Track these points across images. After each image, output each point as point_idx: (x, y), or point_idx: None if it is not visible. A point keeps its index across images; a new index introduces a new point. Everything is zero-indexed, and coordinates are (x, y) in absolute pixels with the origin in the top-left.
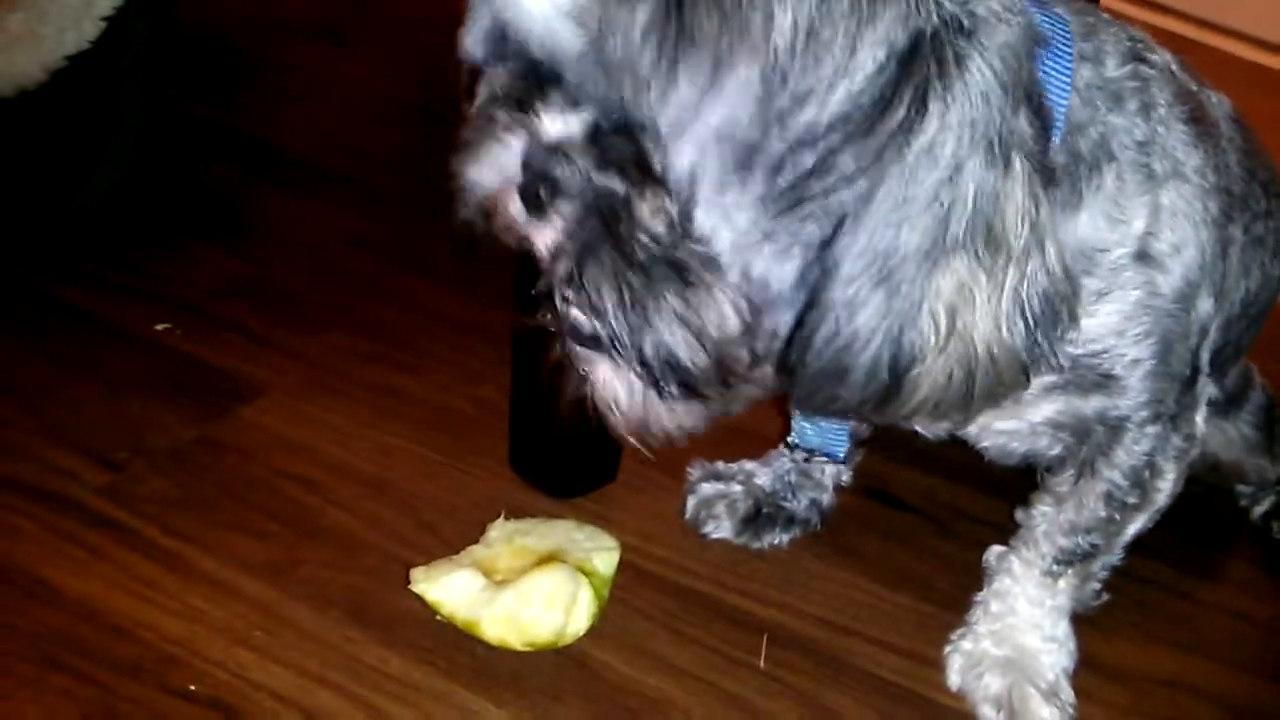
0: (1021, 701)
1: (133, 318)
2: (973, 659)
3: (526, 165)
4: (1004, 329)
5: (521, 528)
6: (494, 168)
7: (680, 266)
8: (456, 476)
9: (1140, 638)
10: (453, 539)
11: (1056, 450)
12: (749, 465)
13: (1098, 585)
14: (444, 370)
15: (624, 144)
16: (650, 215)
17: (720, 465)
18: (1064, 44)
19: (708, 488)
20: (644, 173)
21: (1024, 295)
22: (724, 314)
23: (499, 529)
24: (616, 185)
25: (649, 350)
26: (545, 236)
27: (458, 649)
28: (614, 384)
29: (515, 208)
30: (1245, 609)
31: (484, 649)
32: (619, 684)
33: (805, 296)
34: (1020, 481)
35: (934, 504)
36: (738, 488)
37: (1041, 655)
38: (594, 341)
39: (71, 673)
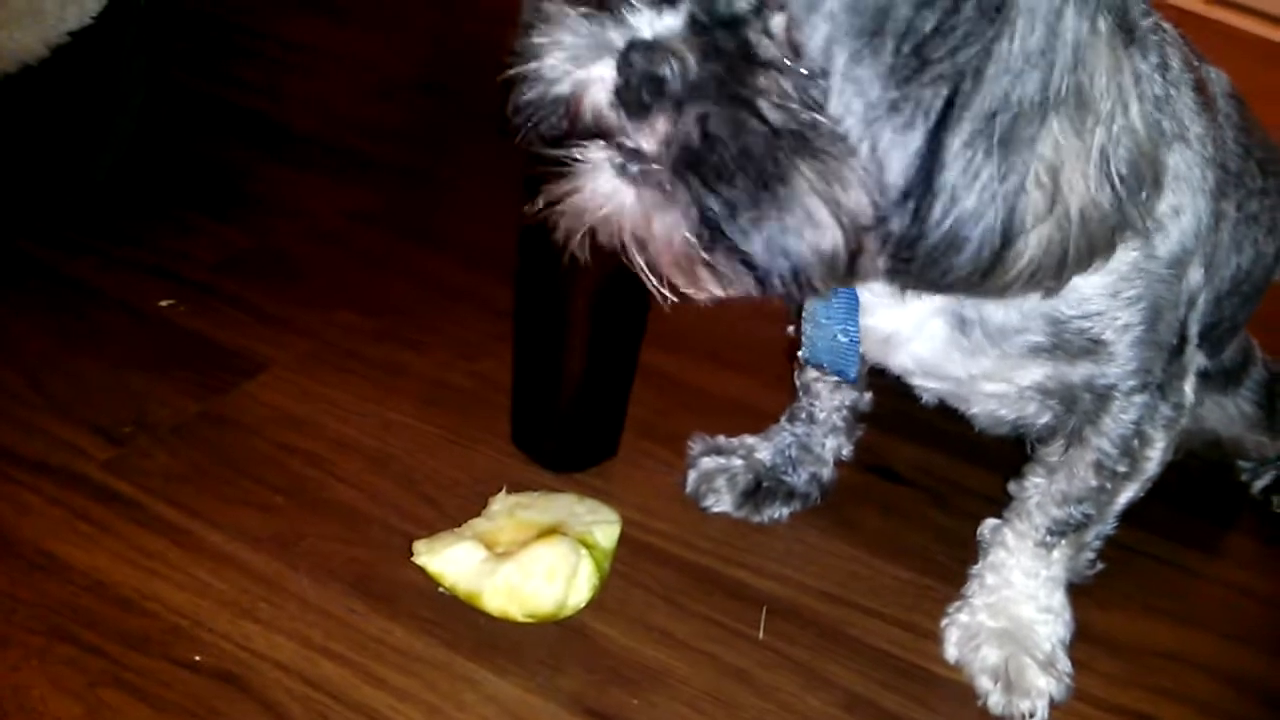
0: (1018, 672)
1: (136, 293)
2: (969, 631)
3: (625, 64)
4: (1093, 190)
5: (523, 501)
6: (577, 61)
7: (810, 150)
8: (458, 451)
9: (1138, 610)
10: (455, 513)
11: (1045, 418)
12: (750, 440)
13: (1092, 555)
14: (446, 345)
15: (728, 34)
16: (769, 99)
17: (721, 439)
18: None
19: (708, 462)
20: (752, 60)
21: (1110, 156)
22: (859, 193)
23: (501, 502)
24: (727, 75)
25: (764, 243)
26: (651, 133)
27: (459, 620)
28: (666, 232)
29: (604, 102)
30: (1244, 582)
31: (485, 620)
32: (619, 655)
33: (925, 170)
34: (1015, 455)
35: (931, 478)
36: (738, 462)
37: (1037, 626)
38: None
39: (78, 644)
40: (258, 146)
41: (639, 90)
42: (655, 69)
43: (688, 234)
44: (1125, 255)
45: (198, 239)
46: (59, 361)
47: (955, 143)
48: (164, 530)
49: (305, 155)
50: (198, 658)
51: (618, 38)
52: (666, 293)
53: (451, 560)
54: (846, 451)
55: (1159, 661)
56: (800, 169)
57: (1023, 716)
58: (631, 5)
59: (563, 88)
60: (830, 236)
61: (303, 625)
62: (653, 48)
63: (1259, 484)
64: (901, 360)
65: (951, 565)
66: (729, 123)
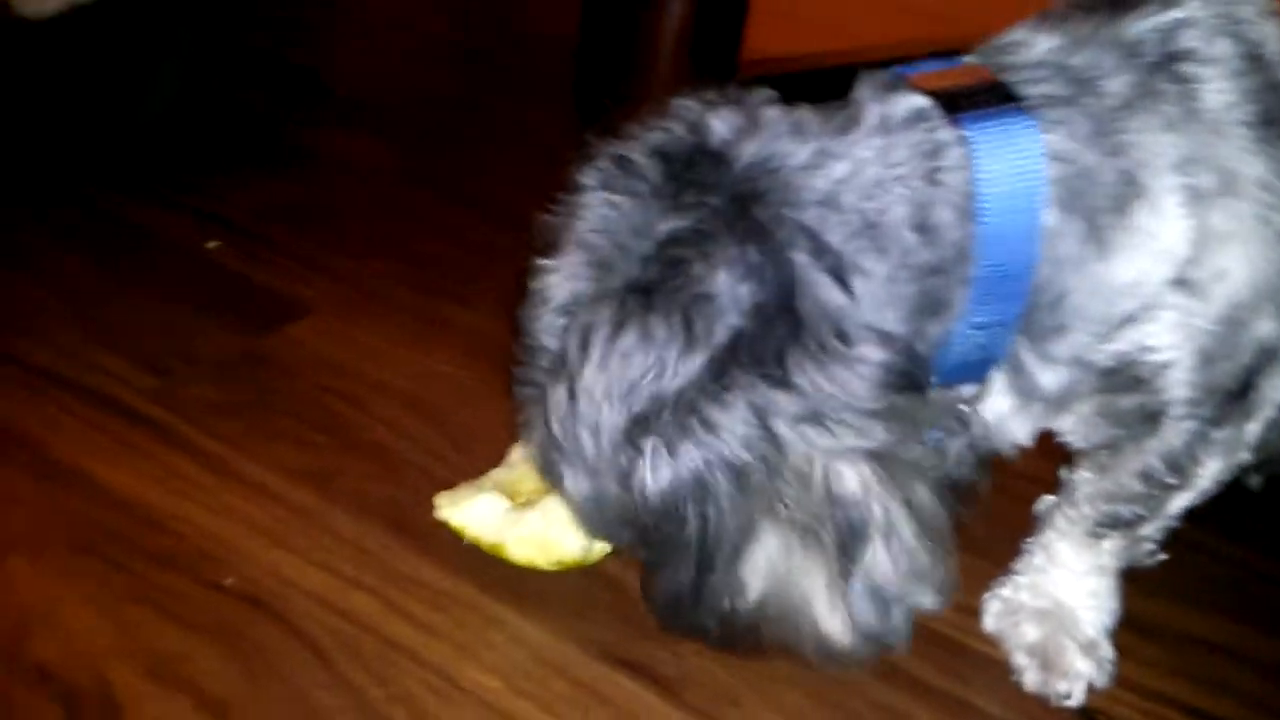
0: (1058, 652)
1: (186, 236)
2: (1010, 606)
3: None
4: None
5: None
6: None
7: None
8: (492, 400)
9: (1189, 602)
10: (489, 456)
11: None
12: None
13: (1152, 545)
14: (483, 299)
15: None
16: None
17: None
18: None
19: None
20: None
21: None
22: None
23: (519, 451)
24: None
25: None
26: None
27: (489, 563)
28: None
29: None
30: None
31: (514, 566)
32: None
33: None
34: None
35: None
36: None
37: (1079, 611)
38: None
39: (104, 559)
40: (307, 103)
41: None
42: None
43: None
44: (1164, 315)
45: (246, 188)
46: (108, 296)
47: None
48: (199, 457)
49: (352, 113)
50: (228, 580)
51: None
52: None
53: (474, 514)
54: None
55: (1206, 653)
56: None
57: (1058, 697)
58: None
59: None
60: None
61: (335, 558)
62: None
63: None
64: None
65: (999, 547)
66: None
